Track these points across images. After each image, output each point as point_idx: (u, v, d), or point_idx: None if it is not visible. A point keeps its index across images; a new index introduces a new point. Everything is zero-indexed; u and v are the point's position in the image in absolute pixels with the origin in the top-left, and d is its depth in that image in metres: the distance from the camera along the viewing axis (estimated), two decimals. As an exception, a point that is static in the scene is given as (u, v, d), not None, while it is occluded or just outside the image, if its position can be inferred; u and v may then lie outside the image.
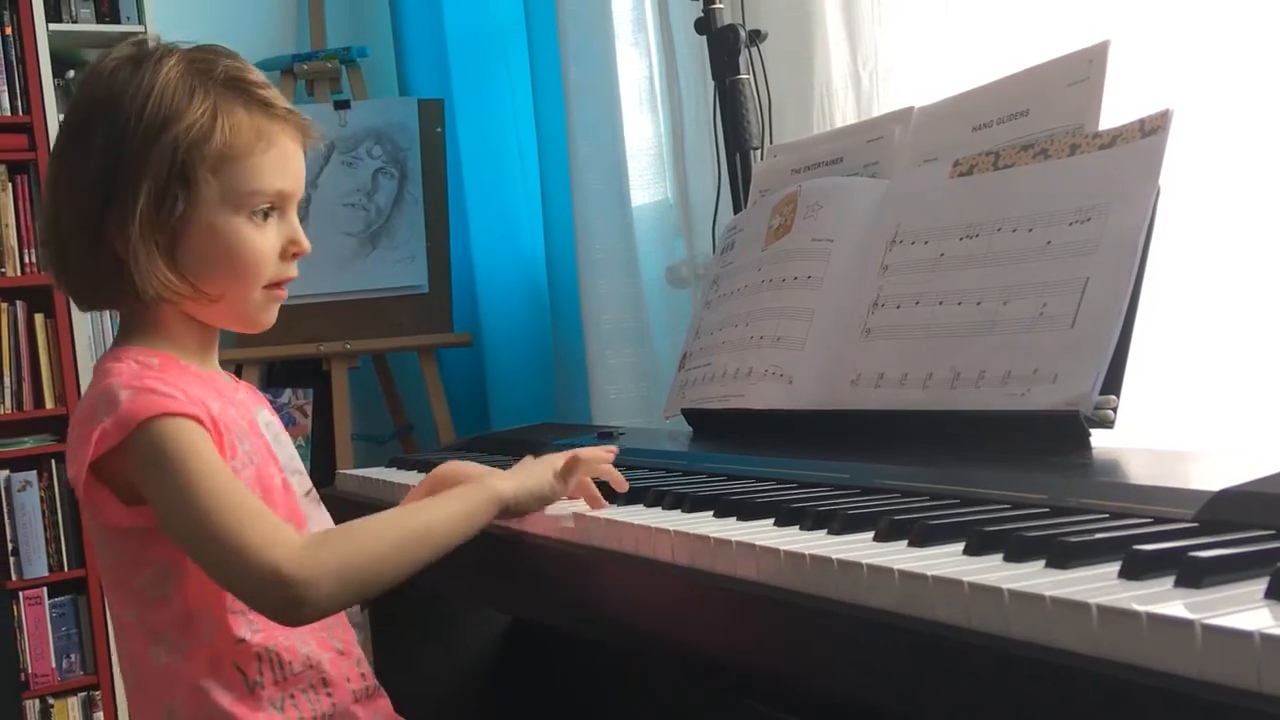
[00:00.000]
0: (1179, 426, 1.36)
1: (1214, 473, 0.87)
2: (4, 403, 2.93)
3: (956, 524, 0.82)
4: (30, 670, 2.90)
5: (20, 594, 2.90)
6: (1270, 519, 0.73)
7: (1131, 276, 1.07)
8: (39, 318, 2.96)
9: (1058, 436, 1.07)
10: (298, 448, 1.25)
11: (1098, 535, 0.74)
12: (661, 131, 2.55)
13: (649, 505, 1.09)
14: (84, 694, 2.95)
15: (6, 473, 2.94)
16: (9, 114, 2.93)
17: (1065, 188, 1.16)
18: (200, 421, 1.03)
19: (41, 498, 2.96)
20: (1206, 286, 1.39)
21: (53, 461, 2.97)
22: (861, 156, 1.52)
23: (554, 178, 2.68)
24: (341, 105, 3.03)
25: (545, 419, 2.64)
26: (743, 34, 1.88)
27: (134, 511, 1.05)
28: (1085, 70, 1.23)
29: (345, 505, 1.45)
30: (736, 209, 1.85)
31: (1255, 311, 1.36)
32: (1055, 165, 1.19)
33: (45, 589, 2.92)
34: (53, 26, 2.96)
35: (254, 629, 1.08)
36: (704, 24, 1.93)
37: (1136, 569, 0.66)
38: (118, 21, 3.03)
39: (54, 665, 2.92)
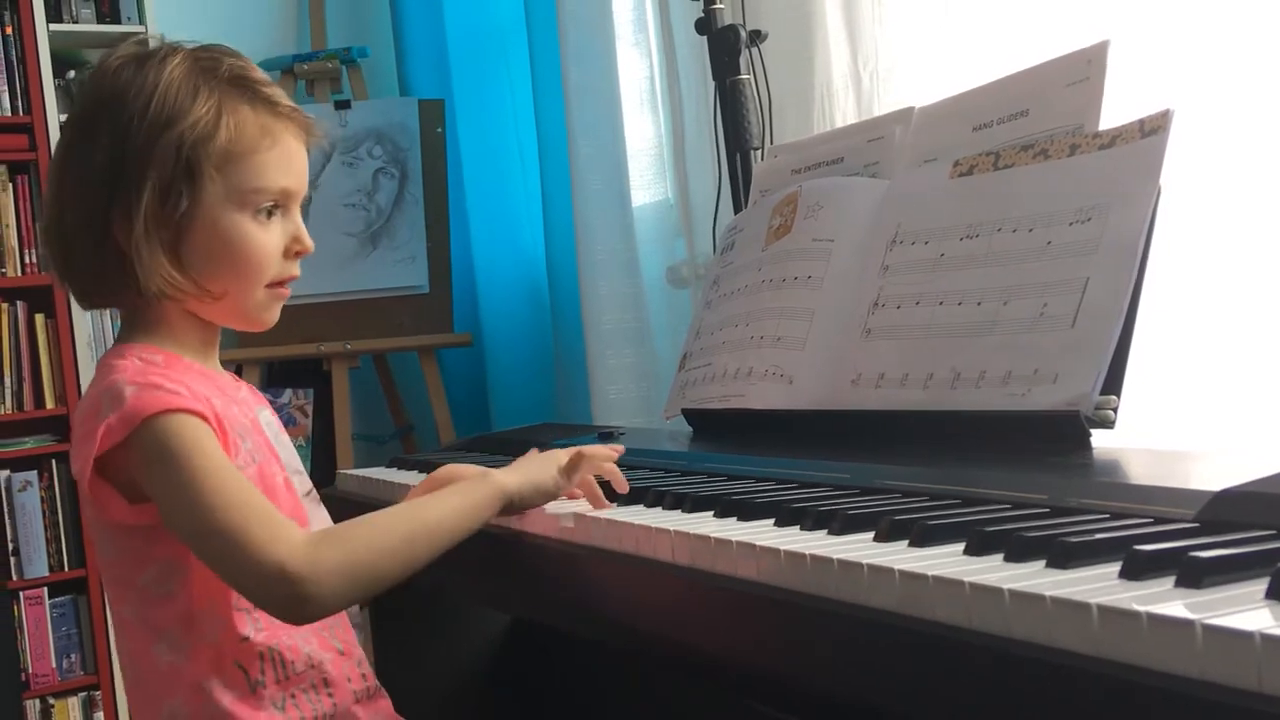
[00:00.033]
0: (1179, 426, 1.36)
1: (1214, 473, 0.87)
2: (4, 403, 2.93)
3: (957, 524, 0.82)
4: (30, 670, 2.90)
5: (20, 594, 2.90)
6: (1271, 519, 0.73)
7: (1132, 276, 1.07)
8: (39, 318, 2.96)
9: (1058, 437, 1.07)
10: (298, 448, 1.25)
11: (1098, 535, 0.74)
12: (662, 131, 2.55)
13: (649, 505, 1.09)
14: (84, 694, 2.95)
15: (7, 473, 2.94)
16: (9, 114, 2.93)
17: (1065, 188, 1.16)
18: (205, 418, 1.03)
19: (42, 498, 2.96)
20: (1207, 287, 1.39)
21: (53, 461, 2.97)
22: (862, 156, 1.52)
23: (554, 178, 2.68)
24: (342, 105, 3.03)
25: (546, 419, 2.64)
26: (743, 34, 1.88)
27: (138, 508, 1.04)
28: (1085, 70, 1.23)
29: (345, 505, 1.45)
30: (737, 209, 1.85)
31: (1255, 312, 1.36)
32: (1055, 165, 1.19)
33: (45, 589, 2.93)
34: (53, 26, 2.96)
35: (258, 627, 1.08)
36: (704, 24, 1.93)
37: (1137, 569, 0.66)
38: (118, 22, 3.03)
39: (54, 665, 2.92)
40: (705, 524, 0.96)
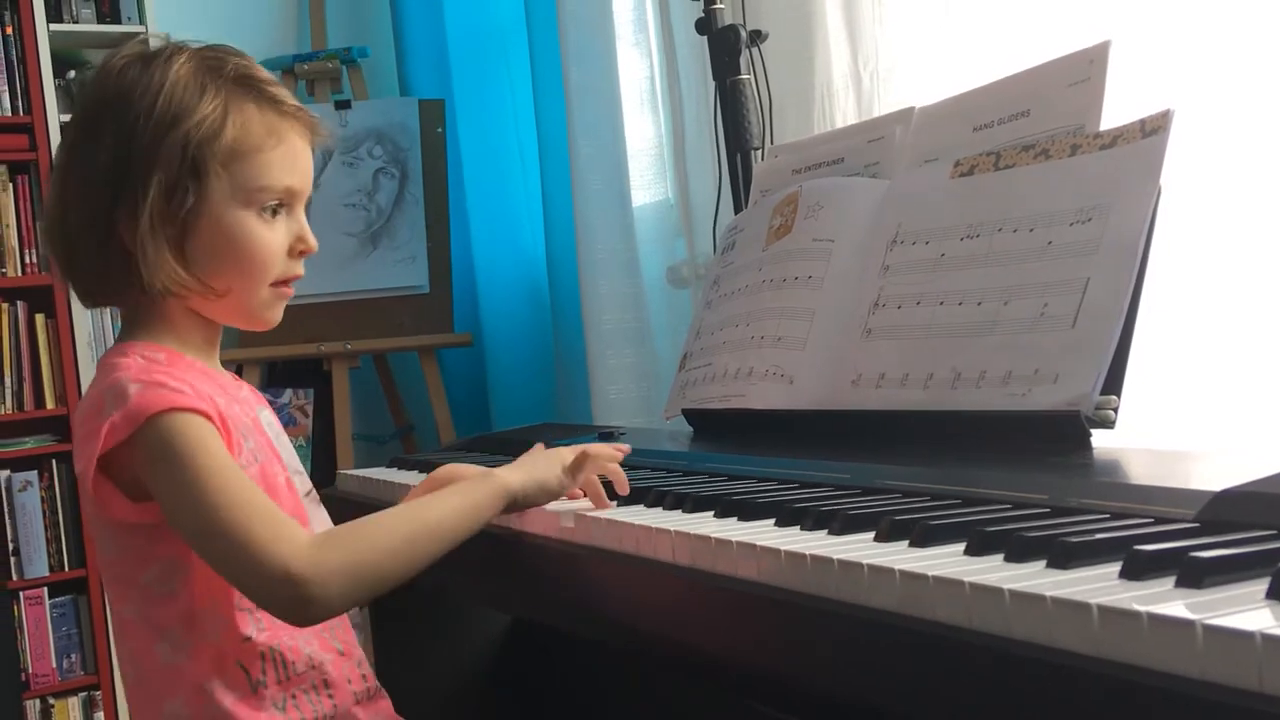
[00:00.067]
0: (1179, 426, 1.36)
1: (1214, 473, 0.87)
2: (4, 403, 2.93)
3: (957, 524, 0.82)
4: (31, 670, 2.90)
5: (21, 594, 2.90)
6: (1271, 519, 0.73)
7: (1132, 277, 1.08)
8: (39, 318, 2.96)
9: (1058, 437, 1.07)
10: (298, 448, 1.25)
11: (1098, 535, 0.74)
12: (662, 131, 2.55)
13: (650, 505, 1.09)
14: (84, 694, 2.95)
15: (7, 473, 2.94)
16: (9, 114, 2.93)
17: (1066, 188, 1.16)
18: (209, 417, 1.03)
19: (42, 498, 2.96)
20: (1207, 287, 1.39)
21: (53, 461, 2.97)
22: (862, 157, 1.52)
23: (555, 178, 2.68)
24: (342, 105, 3.03)
25: (546, 419, 2.64)
26: (743, 34, 1.88)
27: (140, 507, 1.04)
28: (1086, 70, 1.23)
29: (346, 505, 1.45)
30: (737, 209, 1.85)
31: (1256, 312, 1.36)
32: (1056, 165, 1.19)
33: (46, 589, 2.93)
34: (53, 26, 2.96)
35: (260, 627, 1.08)
36: (705, 24, 1.93)
37: (1137, 569, 0.66)
38: (118, 22, 3.03)
39: (54, 665, 2.92)
40: (706, 524, 0.96)
